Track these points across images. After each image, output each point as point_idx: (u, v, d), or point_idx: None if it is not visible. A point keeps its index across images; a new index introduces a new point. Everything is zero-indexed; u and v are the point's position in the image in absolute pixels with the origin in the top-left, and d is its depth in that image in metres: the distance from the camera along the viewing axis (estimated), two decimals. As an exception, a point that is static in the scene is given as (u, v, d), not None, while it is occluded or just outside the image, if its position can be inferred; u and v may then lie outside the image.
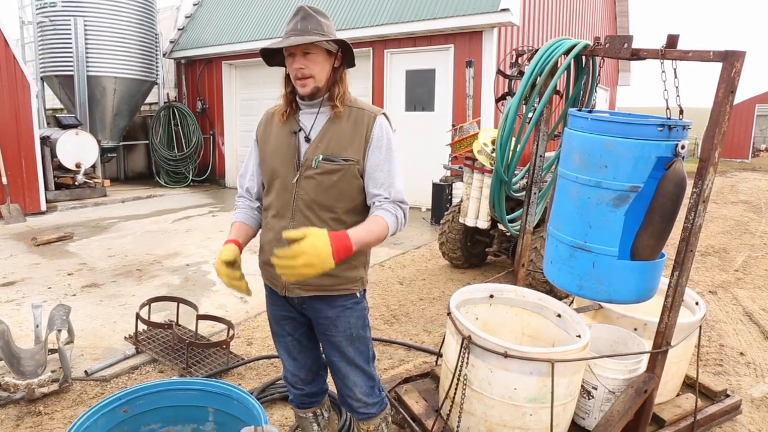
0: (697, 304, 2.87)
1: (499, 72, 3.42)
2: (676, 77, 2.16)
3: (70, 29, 9.66)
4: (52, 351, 3.21)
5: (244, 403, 1.92)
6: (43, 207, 8.27)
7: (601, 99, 15.09)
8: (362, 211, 1.90)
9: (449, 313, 2.42)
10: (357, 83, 9.01)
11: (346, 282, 1.91)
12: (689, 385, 2.95)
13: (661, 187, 2.09)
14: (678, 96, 2.17)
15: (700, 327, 2.73)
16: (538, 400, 2.16)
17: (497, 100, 3.57)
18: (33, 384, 2.82)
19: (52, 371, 2.99)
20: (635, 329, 2.62)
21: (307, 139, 1.86)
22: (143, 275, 5.23)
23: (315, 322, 2.00)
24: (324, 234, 1.61)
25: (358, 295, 1.95)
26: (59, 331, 3.03)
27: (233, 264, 1.86)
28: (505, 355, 2.11)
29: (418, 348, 3.67)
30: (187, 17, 12.11)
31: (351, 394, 2.04)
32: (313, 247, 1.57)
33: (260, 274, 2.05)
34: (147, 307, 3.56)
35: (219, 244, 6.40)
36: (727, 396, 2.95)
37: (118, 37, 10.09)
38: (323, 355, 2.08)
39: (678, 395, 2.86)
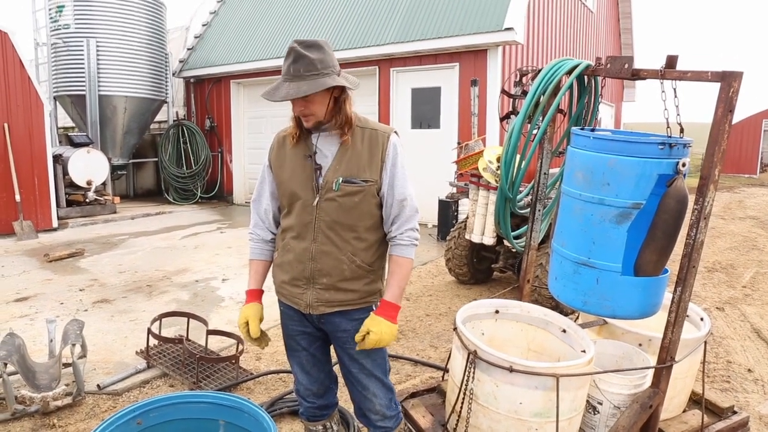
0: (702, 319, 2.89)
1: (503, 92, 3.49)
2: (676, 96, 2.22)
3: (82, 50, 9.88)
4: (66, 365, 3.27)
5: (254, 416, 1.95)
6: (55, 224, 8.39)
7: (606, 115, 15.17)
8: (380, 226, 1.99)
9: (455, 328, 2.46)
10: (363, 101, 9.13)
11: (367, 295, 1.99)
12: (696, 401, 2.95)
13: (663, 204, 2.13)
14: (678, 114, 2.23)
15: (705, 342, 2.74)
16: (544, 414, 2.19)
17: (502, 119, 3.63)
18: (48, 397, 2.87)
19: (66, 385, 3.04)
20: (640, 345, 2.64)
21: (317, 166, 1.92)
22: (153, 291, 5.29)
23: (333, 336, 2.06)
24: (378, 320, 1.90)
25: (373, 308, 2.02)
26: (73, 345, 3.09)
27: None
28: (511, 370, 2.14)
29: (424, 363, 3.69)
30: (196, 37, 12.35)
31: (371, 406, 2.08)
32: (381, 335, 1.90)
33: (274, 290, 2.11)
34: (158, 322, 3.61)
35: (227, 261, 6.47)
36: (735, 413, 2.94)
37: (128, 57, 10.31)
38: (342, 368, 2.12)
39: (684, 411, 2.87)
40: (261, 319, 2.11)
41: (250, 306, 2.09)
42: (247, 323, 2.07)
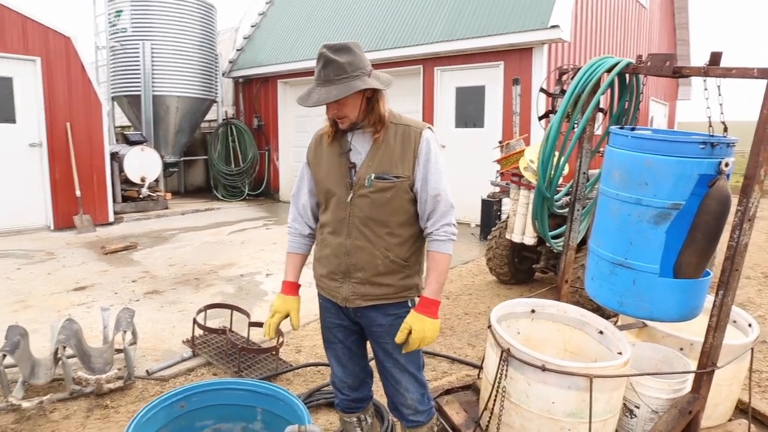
0: (750, 326, 2.79)
1: (542, 90, 3.46)
2: (720, 94, 2.16)
3: (138, 52, 10.32)
4: (118, 351, 3.46)
5: (290, 405, 2.03)
6: (111, 218, 8.81)
7: (659, 114, 14.65)
8: (414, 222, 2.01)
9: (489, 326, 2.47)
10: (407, 100, 9.16)
11: (403, 290, 2.02)
12: (743, 410, 2.85)
13: (704, 205, 2.08)
14: (722, 113, 2.17)
15: (753, 349, 2.65)
16: (577, 415, 2.17)
17: (540, 118, 3.60)
18: (101, 379, 3.05)
19: (118, 369, 3.23)
20: (681, 349, 2.57)
21: (351, 164, 1.96)
22: (200, 284, 5.50)
23: (368, 330, 2.10)
24: (419, 318, 1.91)
25: (409, 303, 2.05)
26: (124, 332, 3.27)
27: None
28: (543, 369, 2.14)
29: (461, 361, 3.71)
30: (245, 38, 12.68)
31: (403, 400, 2.11)
32: (424, 332, 1.91)
33: (314, 284, 2.17)
34: (203, 314, 3.77)
35: (272, 256, 6.64)
36: (785, 424, 2.83)
37: (181, 59, 10.70)
38: (377, 362, 2.16)
39: (730, 420, 2.77)
40: (286, 315, 2.11)
41: (291, 299, 2.13)
42: (287, 315, 2.12)
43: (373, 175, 1.92)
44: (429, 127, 1.99)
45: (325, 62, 1.81)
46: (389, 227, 1.95)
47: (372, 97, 1.90)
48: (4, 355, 2.88)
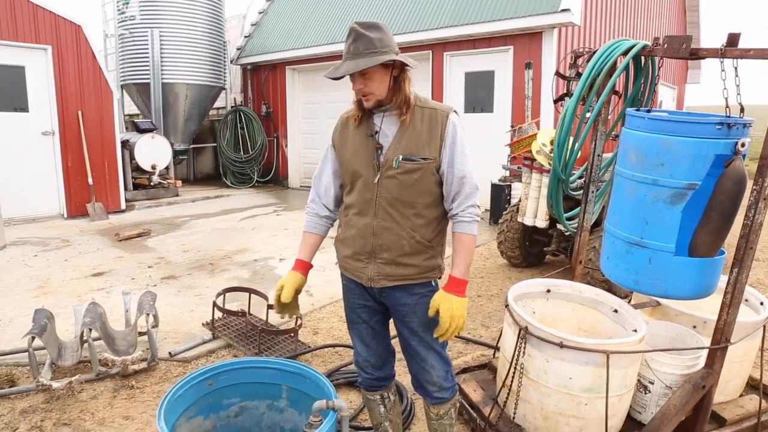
0: (762, 304, 2.83)
1: (558, 74, 3.48)
2: (737, 76, 2.19)
3: (147, 40, 10.34)
4: (141, 333, 3.55)
5: (315, 382, 2.09)
6: (123, 206, 8.89)
7: (668, 98, 14.54)
8: (439, 203, 2.05)
9: (507, 305, 2.53)
10: (417, 85, 9.02)
11: (426, 271, 2.06)
12: (754, 386, 2.91)
13: (720, 185, 2.12)
14: (739, 94, 2.19)
15: (764, 327, 2.69)
16: (593, 390, 2.24)
17: (555, 101, 3.62)
18: (127, 361, 3.14)
19: (142, 351, 3.31)
20: (694, 327, 2.62)
21: (379, 145, 1.99)
22: (215, 269, 5.58)
23: (393, 310, 2.14)
24: (447, 297, 1.93)
25: (433, 283, 2.10)
26: (148, 315, 3.35)
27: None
28: (561, 346, 2.20)
29: (476, 342, 3.77)
30: (252, 25, 12.66)
31: (428, 378, 2.16)
32: (452, 311, 1.92)
33: (329, 269, 2.22)
34: (222, 297, 3.84)
35: (284, 242, 6.72)
36: (796, 400, 2.88)
37: (190, 46, 10.70)
38: (401, 341, 2.20)
39: (741, 396, 2.84)
40: (298, 290, 2.14)
41: (291, 273, 2.15)
42: (282, 287, 2.13)
43: (400, 157, 1.96)
44: (455, 111, 2.03)
45: (355, 36, 1.86)
46: (416, 208, 2.00)
47: (399, 76, 1.94)
48: (33, 338, 2.96)
